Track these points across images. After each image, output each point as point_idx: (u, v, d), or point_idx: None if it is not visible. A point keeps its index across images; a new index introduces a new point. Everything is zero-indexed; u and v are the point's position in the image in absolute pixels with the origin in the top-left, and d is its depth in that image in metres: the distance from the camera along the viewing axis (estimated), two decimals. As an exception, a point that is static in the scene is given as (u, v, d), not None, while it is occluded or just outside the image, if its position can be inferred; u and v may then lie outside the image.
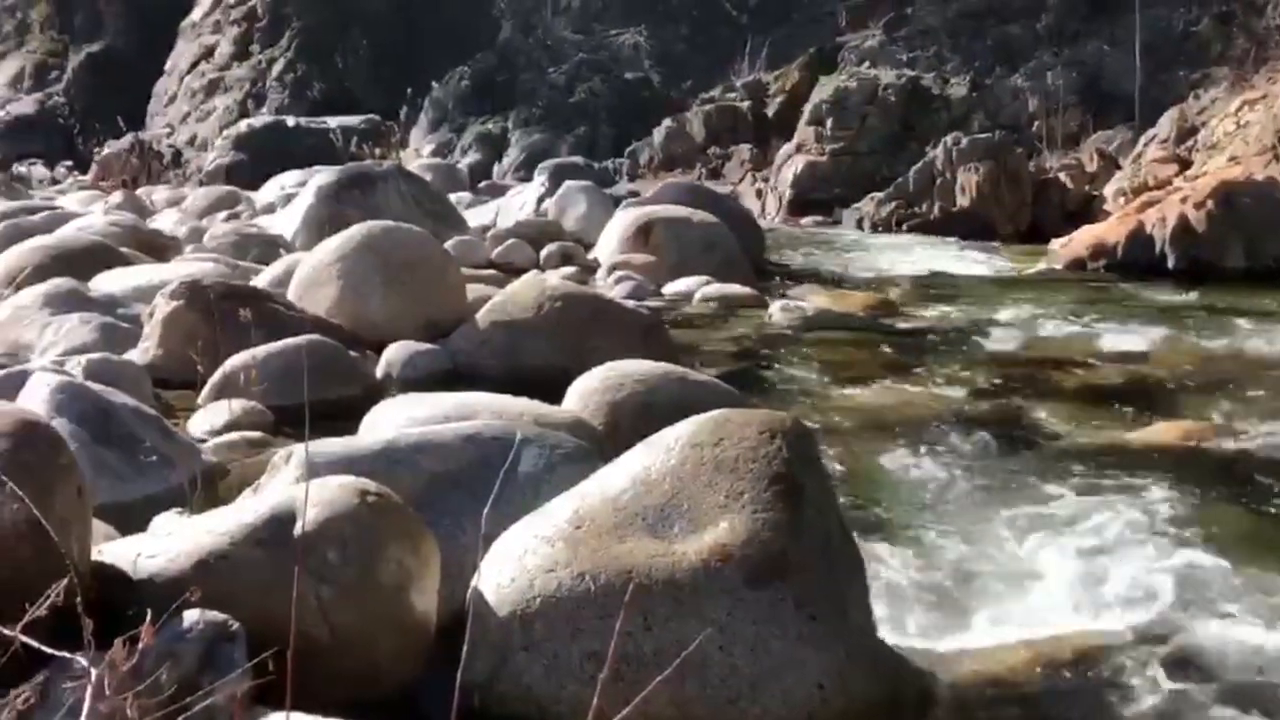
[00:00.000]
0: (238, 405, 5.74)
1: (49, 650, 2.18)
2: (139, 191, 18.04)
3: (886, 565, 4.30)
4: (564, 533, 3.31)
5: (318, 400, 5.75)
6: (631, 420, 4.95)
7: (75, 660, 2.15)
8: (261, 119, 26.05)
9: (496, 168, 24.39)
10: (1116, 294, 11.08)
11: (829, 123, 19.08)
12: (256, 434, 5.52)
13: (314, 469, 3.39)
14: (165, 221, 14.10)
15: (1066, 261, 12.79)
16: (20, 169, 26.22)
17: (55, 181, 25.21)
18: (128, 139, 25.56)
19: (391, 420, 4.84)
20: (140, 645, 2.13)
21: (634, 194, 16.99)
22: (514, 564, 3.28)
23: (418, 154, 24.39)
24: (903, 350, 8.40)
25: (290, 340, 6.37)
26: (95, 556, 3.14)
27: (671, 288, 10.52)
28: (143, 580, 3.02)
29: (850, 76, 20.28)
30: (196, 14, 31.62)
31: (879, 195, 16.93)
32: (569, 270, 10.90)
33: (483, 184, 21.02)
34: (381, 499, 3.19)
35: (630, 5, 27.30)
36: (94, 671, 2.09)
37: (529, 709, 3.11)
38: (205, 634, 2.78)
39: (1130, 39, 19.11)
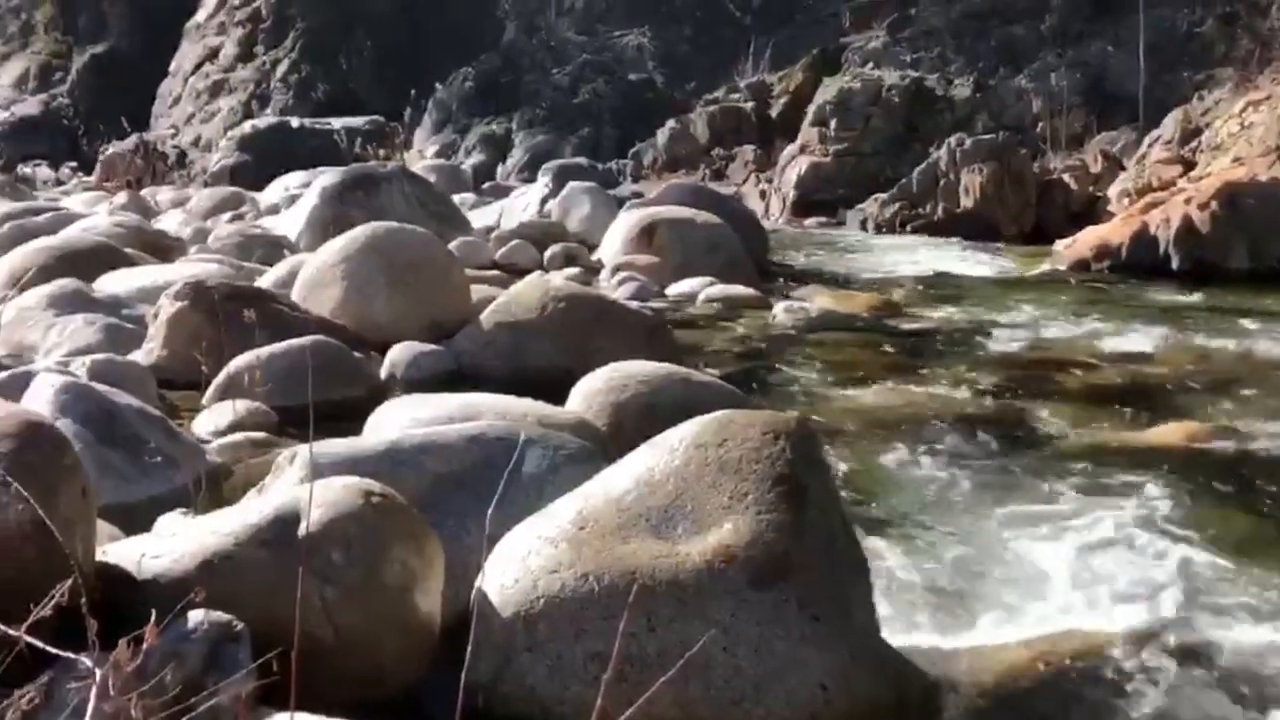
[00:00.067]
0: (242, 406, 5.74)
1: (54, 650, 2.18)
2: (143, 192, 18.04)
3: (890, 565, 4.30)
4: (568, 534, 3.31)
5: (322, 401, 5.73)
6: (635, 421, 4.95)
7: (80, 660, 2.15)
8: (266, 120, 26.07)
9: (500, 169, 24.41)
10: (1120, 295, 11.07)
11: (833, 124, 19.08)
12: (261, 435, 5.52)
13: (318, 470, 3.39)
14: (170, 222, 14.11)
15: (1070, 263, 12.78)
16: (25, 170, 26.28)
17: (60, 182, 25.24)
18: (132, 140, 25.60)
19: (396, 421, 4.84)
20: (145, 646, 2.13)
21: (638, 195, 16.99)
22: (518, 565, 3.28)
23: (422, 155, 24.42)
24: (906, 351, 8.40)
25: (294, 341, 6.37)
26: (100, 557, 3.14)
27: (675, 289, 10.52)
28: (147, 581, 3.02)
29: (854, 77, 20.28)
30: (201, 15, 31.66)
31: (883, 196, 16.93)
32: (573, 271, 10.90)
33: (486, 185, 21.03)
34: (386, 500, 3.20)
35: (634, 6, 27.32)
36: (98, 672, 2.09)
37: (533, 710, 3.12)
38: (210, 634, 2.78)
39: (1134, 40, 19.10)
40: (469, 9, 28.66)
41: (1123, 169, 16.40)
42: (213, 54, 30.67)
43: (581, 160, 21.43)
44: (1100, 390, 7.19)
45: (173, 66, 31.17)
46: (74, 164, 28.10)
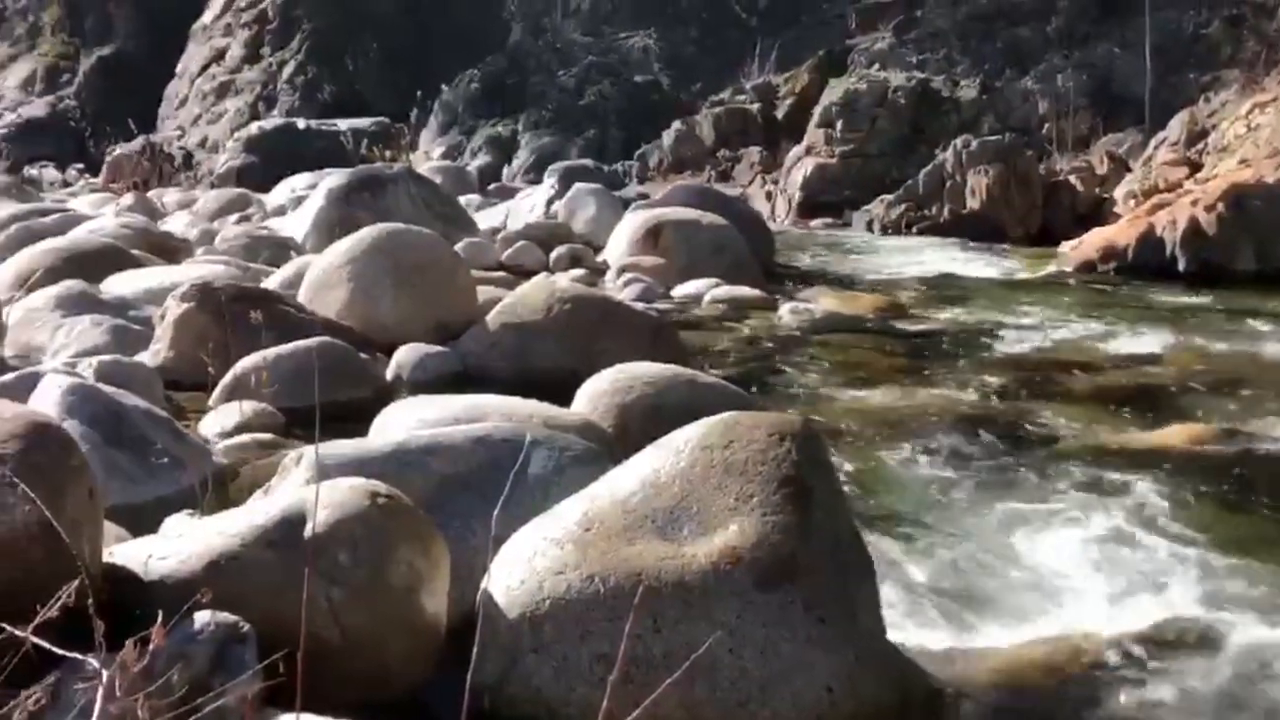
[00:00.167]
0: (248, 407, 5.75)
1: (60, 651, 2.18)
2: (150, 194, 18.06)
3: (896, 567, 4.30)
4: (573, 535, 3.31)
5: (328, 402, 5.75)
6: (641, 422, 4.95)
7: (86, 661, 2.15)
8: (272, 121, 26.10)
9: (506, 170, 24.42)
10: (1127, 297, 11.06)
11: (838, 125, 19.08)
12: (267, 436, 5.53)
13: (324, 471, 3.40)
14: (176, 224, 14.14)
15: (1077, 264, 12.77)
16: (32, 171, 26.33)
17: (66, 184, 25.29)
18: (139, 141, 25.63)
19: (402, 422, 4.85)
20: (151, 646, 2.13)
21: (643, 196, 17.00)
22: (523, 566, 3.28)
23: (427, 156, 24.44)
24: (912, 353, 8.40)
25: (301, 342, 6.38)
26: (106, 558, 3.15)
27: (681, 290, 10.52)
28: (154, 582, 3.03)
29: (860, 79, 20.27)
30: (207, 17, 31.70)
31: (888, 198, 16.92)
32: (578, 272, 10.91)
33: (492, 186, 21.05)
34: (392, 501, 3.20)
35: (640, 8, 27.32)
36: (105, 673, 2.09)
37: (539, 711, 3.12)
38: (216, 635, 2.78)
39: (1140, 41, 19.08)
40: (475, 11, 28.68)
41: (1129, 171, 16.38)
42: (219, 55, 30.72)
43: (587, 162, 21.44)
44: (1106, 392, 7.18)
45: (179, 68, 31.22)
46: (81, 165, 28.15)
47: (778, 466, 3.37)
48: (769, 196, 19.48)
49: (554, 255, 11.95)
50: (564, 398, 5.31)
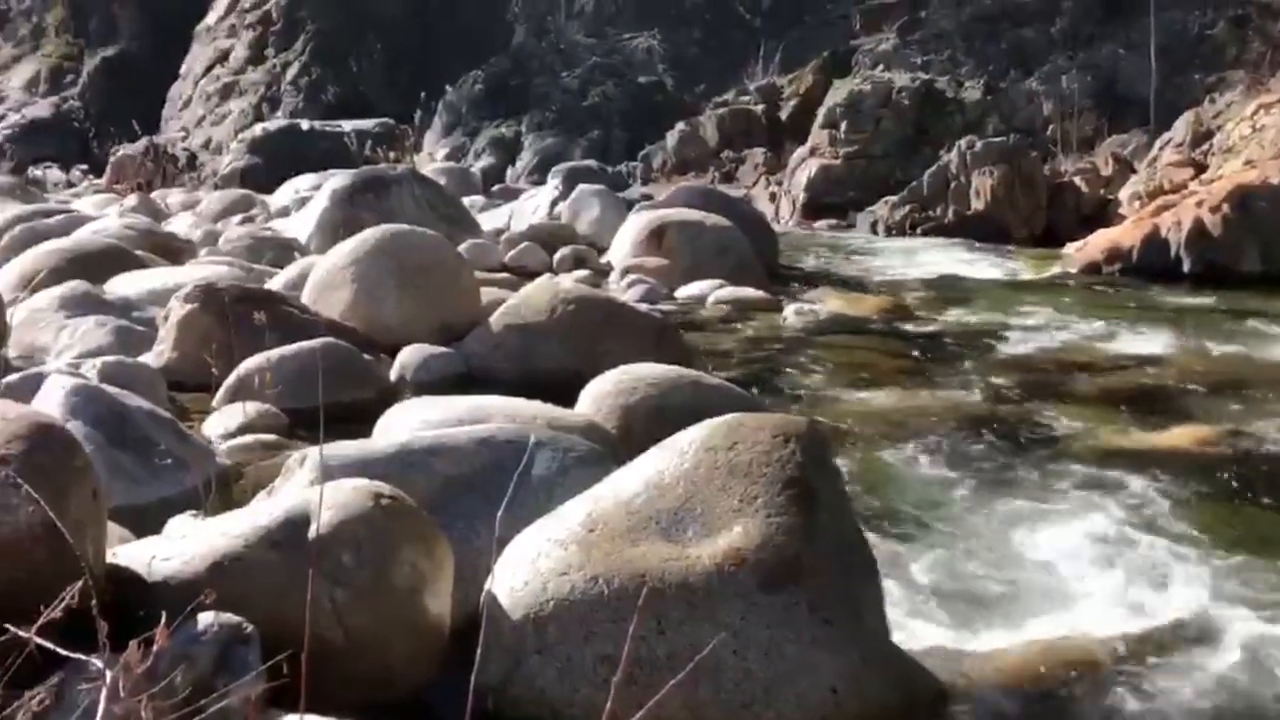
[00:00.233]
0: (252, 408, 5.75)
1: (64, 652, 2.18)
2: (154, 195, 18.08)
3: (900, 569, 4.30)
4: (577, 536, 3.31)
5: (332, 403, 5.76)
6: (645, 424, 4.95)
7: (90, 662, 2.15)
8: (276, 123, 26.09)
9: (510, 171, 24.42)
10: (1131, 298, 11.05)
11: (843, 126, 19.05)
12: (271, 437, 5.53)
13: (328, 472, 3.40)
14: (180, 225, 14.14)
15: (1081, 265, 12.76)
16: (36, 172, 26.35)
17: (70, 185, 25.30)
18: (143, 142, 25.63)
19: (405, 423, 4.85)
20: (155, 647, 2.13)
21: (647, 197, 16.98)
22: (527, 567, 3.28)
23: (431, 158, 24.44)
24: (917, 354, 8.39)
25: (305, 343, 6.38)
26: (110, 559, 3.15)
27: (685, 291, 10.51)
28: (157, 583, 3.03)
29: (864, 80, 20.24)
30: (211, 18, 31.71)
31: (893, 199, 16.90)
32: (582, 274, 10.91)
33: (496, 187, 21.05)
34: (395, 502, 3.20)
35: (643, 9, 27.31)
36: (109, 673, 2.09)
37: (542, 712, 3.11)
38: (220, 636, 2.78)
39: (1145, 42, 19.05)
40: (479, 12, 28.67)
41: (1134, 172, 16.36)
42: (223, 57, 30.72)
43: (591, 163, 21.42)
44: (1110, 393, 7.17)
45: (183, 69, 31.22)
46: (85, 166, 28.15)
47: (782, 468, 3.36)
48: (773, 198, 19.46)
49: (558, 256, 11.94)
50: (568, 399, 5.30)
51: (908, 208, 16.51)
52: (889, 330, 9.32)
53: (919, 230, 16.16)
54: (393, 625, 3.08)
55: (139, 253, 9.87)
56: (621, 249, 11.67)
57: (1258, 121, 15.16)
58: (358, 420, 5.09)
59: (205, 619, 2.79)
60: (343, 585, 2.99)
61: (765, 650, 3.09)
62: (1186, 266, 11.91)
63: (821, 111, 19.70)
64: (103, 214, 14.01)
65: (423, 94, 26.51)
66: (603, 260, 11.92)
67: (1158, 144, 16.88)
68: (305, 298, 7.69)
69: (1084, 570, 4.39)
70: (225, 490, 4.53)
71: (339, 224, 11.14)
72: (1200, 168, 15.11)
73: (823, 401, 6.93)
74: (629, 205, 14.47)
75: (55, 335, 7.18)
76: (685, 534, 3.27)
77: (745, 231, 11.78)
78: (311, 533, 2.99)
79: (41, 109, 32.23)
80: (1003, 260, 13.78)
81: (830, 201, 18.28)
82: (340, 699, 2.74)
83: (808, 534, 3.26)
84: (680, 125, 23.16)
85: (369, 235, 7.92)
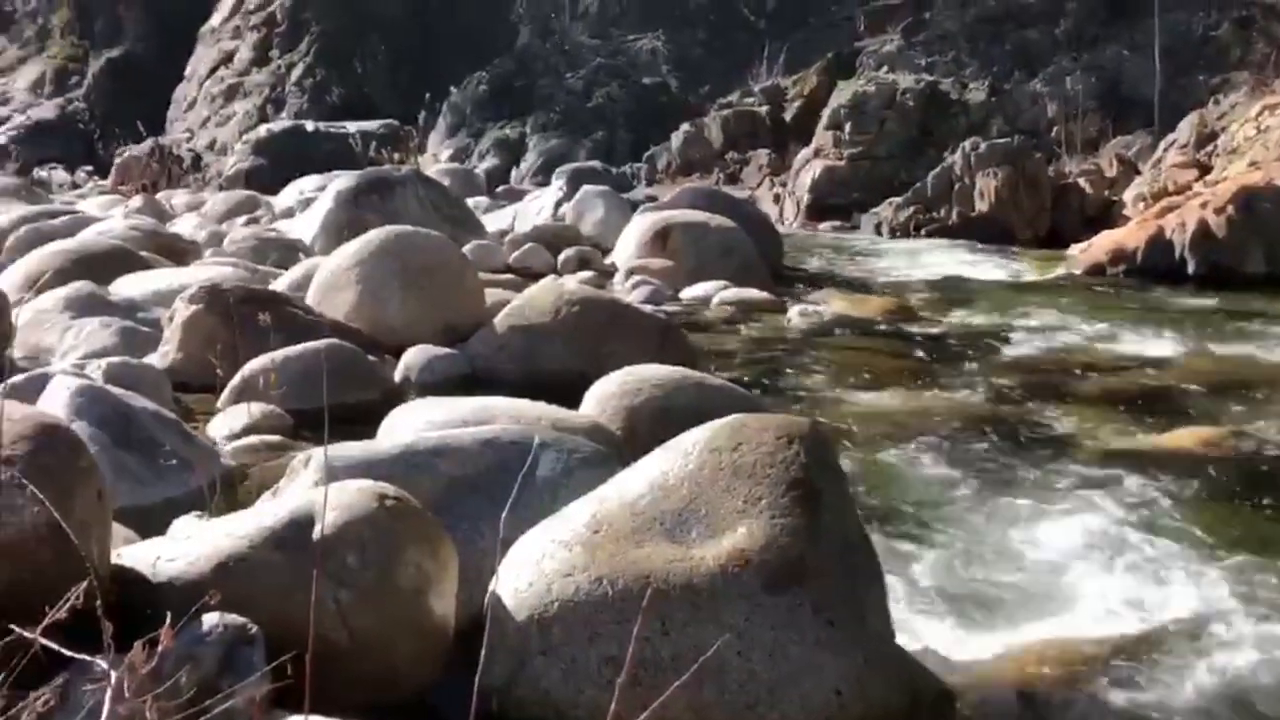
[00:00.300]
0: (257, 409, 5.75)
1: (69, 653, 2.19)
2: (159, 196, 18.09)
3: (904, 570, 4.30)
4: (582, 537, 3.31)
5: (336, 404, 5.72)
6: (649, 425, 4.95)
7: (95, 663, 2.15)
8: (280, 124, 26.11)
9: (514, 172, 24.42)
10: (1136, 299, 11.04)
11: (847, 127, 19.05)
12: (275, 438, 5.54)
13: (333, 473, 3.40)
14: (185, 226, 14.15)
15: (1085, 267, 12.75)
16: (41, 173, 26.39)
17: (75, 186, 25.32)
18: (147, 144, 25.66)
19: (410, 424, 4.85)
20: (159, 648, 2.13)
21: (651, 199, 16.98)
22: (532, 568, 3.28)
23: (435, 159, 24.45)
24: (921, 355, 8.39)
25: (309, 344, 6.39)
26: (115, 559, 3.15)
27: (689, 292, 10.51)
28: (162, 583, 3.03)
29: (868, 81, 20.24)
30: (216, 19, 31.74)
31: (897, 200, 16.89)
32: (586, 275, 10.91)
33: (500, 189, 21.04)
34: (400, 503, 3.20)
35: (648, 10, 27.31)
36: (113, 674, 2.09)
37: (547, 713, 3.11)
38: (224, 637, 2.78)
39: (1149, 44, 19.03)
40: (483, 13, 28.68)
41: (1138, 173, 16.34)
42: (228, 58, 30.74)
43: (595, 164, 21.42)
44: (1114, 394, 7.17)
45: (188, 70, 31.25)
46: (90, 168, 28.18)
47: (786, 469, 3.36)
48: (777, 199, 19.45)
49: (562, 257, 11.94)
50: (572, 400, 5.31)
51: (912, 209, 16.50)
52: (893, 331, 9.32)
53: (923, 232, 16.14)
54: (397, 626, 3.08)
55: (144, 254, 9.88)
56: (626, 250, 11.68)
57: (1262, 123, 15.15)
58: (362, 421, 5.09)
59: (210, 620, 2.79)
60: (347, 586, 2.99)
61: (769, 651, 3.09)
62: (1191, 268, 11.90)
63: (826, 113, 19.70)
64: (108, 215, 14.03)
65: (427, 95, 26.52)
66: (607, 261, 11.92)
67: (1162, 145, 16.86)
68: (310, 299, 7.69)
69: (1088, 571, 4.39)
70: (230, 491, 4.53)
71: (343, 225, 11.15)
72: (1205, 169, 15.10)
73: (827, 402, 6.93)
74: (633, 206, 14.47)
75: (60, 336, 7.19)
76: (689, 535, 3.28)
77: (750, 233, 11.79)
78: (316, 534, 3.00)
79: (47, 110, 32.26)
80: (1007, 262, 13.77)
81: (834, 203, 18.28)
82: (345, 700, 2.74)
83: (812, 535, 3.26)
84: (685, 126, 23.15)
85: (373, 236, 7.92)
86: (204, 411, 6.06)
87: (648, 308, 8.55)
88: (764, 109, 22.80)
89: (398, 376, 6.84)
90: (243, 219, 14.84)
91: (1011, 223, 15.38)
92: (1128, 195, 15.38)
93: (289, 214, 14.94)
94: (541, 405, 4.95)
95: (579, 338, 6.98)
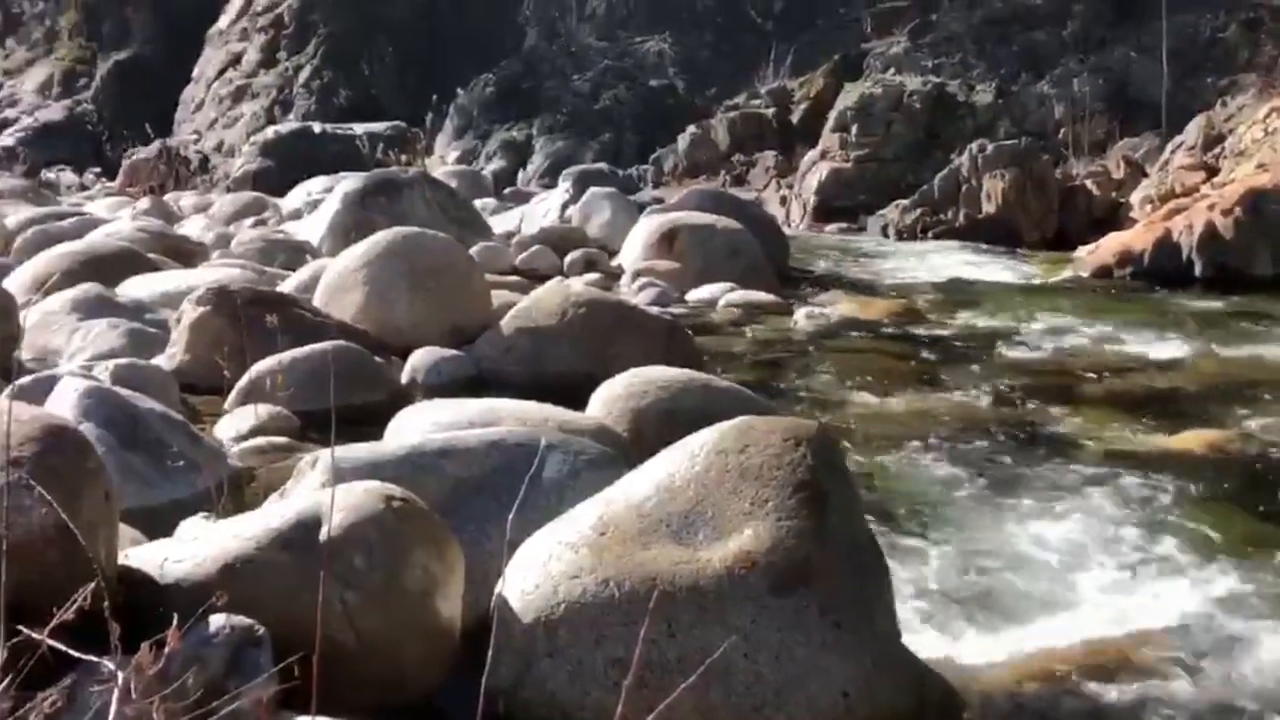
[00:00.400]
0: (264, 410, 5.76)
1: (76, 654, 2.19)
2: (166, 197, 18.13)
3: (911, 571, 4.30)
4: (588, 539, 3.31)
5: (343, 405, 5.76)
6: (655, 427, 4.95)
7: (102, 664, 2.15)
8: (288, 125, 26.13)
9: (521, 174, 24.43)
10: (1143, 302, 11.03)
11: (854, 129, 19.03)
12: (283, 439, 5.54)
13: (340, 474, 3.40)
14: (192, 227, 14.19)
15: (1093, 269, 12.72)
16: (49, 175, 26.42)
17: (84, 188, 25.36)
18: (155, 145, 25.69)
19: (417, 426, 4.85)
20: (167, 649, 2.14)
21: (658, 201, 16.99)
22: (538, 570, 3.28)
23: (443, 160, 24.46)
24: (928, 357, 8.38)
25: (316, 346, 6.39)
26: (122, 561, 3.15)
27: (695, 294, 10.51)
28: (169, 584, 3.04)
29: (875, 83, 20.21)
30: (224, 21, 31.78)
31: (904, 202, 16.88)
32: (593, 277, 10.92)
33: (507, 190, 21.05)
34: (407, 504, 3.20)
35: (655, 12, 27.31)
36: (121, 675, 2.10)
37: (553, 715, 3.12)
38: (231, 638, 2.79)
39: (1157, 45, 19.00)
40: (490, 15, 28.70)
41: (1145, 175, 16.31)
42: (235, 60, 30.78)
43: (602, 166, 21.43)
44: (1122, 397, 7.16)
45: (196, 72, 31.29)
46: (98, 169, 28.21)
47: (793, 471, 3.36)
48: (784, 201, 19.44)
49: (568, 259, 11.95)
50: (578, 402, 5.31)
51: (919, 211, 16.49)
52: (900, 333, 9.31)
53: (930, 234, 16.13)
54: (404, 628, 3.08)
55: (151, 255, 9.90)
56: (632, 252, 11.68)
57: (1270, 125, 15.11)
58: (369, 423, 5.10)
59: (217, 621, 2.79)
60: (354, 587, 3.00)
61: (776, 653, 3.09)
62: (1198, 270, 11.87)
63: (832, 115, 19.68)
64: (115, 217, 14.05)
65: (434, 97, 26.54)
66: (613, 263, 11.92)
67: (1169, 147, 16.83)
68: (317, 300, 7.70)
69: (1094, 572, 4.38)
70: (237, 492, 4.53)
71: (350, 227, 11.15)
72: (1212, 171, 15.07)
73: (833, 404, 6.93)
74: (640, 208, 14.47)
75: (68, 338, 7.20)
76: (696, 537, 3.28)
77: (756, 235, 11.78)
78: (323, 535, 3.00)
79: (55, 112, 32.31)
80: (1014, 263, 13.75)
81: (841, 205, 18.26)
82: (351, 701, 2.74)
83: (818, 537, 3.26)
84: (691, 128, 23.14)
85: (380, 238, 7.93)
86: (211, 413, 6.06)
87: (654, 309, 8.55)
88: (770, 111, 22.79)
89: (404, 378, 6.84)
90: (250, 220, 14.85)
91: (1018, 225, 15.36)
92: (1135, 197, 15.36)
93: (296, 215, 14.95)
94: (548, 407, 4.95)
95: (585, 340, 6.98)
